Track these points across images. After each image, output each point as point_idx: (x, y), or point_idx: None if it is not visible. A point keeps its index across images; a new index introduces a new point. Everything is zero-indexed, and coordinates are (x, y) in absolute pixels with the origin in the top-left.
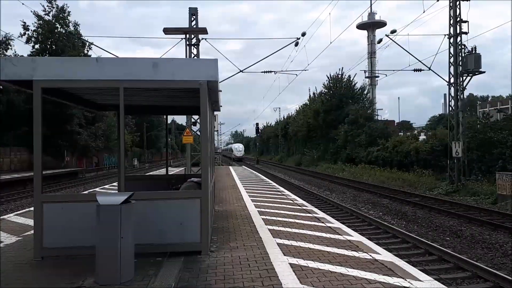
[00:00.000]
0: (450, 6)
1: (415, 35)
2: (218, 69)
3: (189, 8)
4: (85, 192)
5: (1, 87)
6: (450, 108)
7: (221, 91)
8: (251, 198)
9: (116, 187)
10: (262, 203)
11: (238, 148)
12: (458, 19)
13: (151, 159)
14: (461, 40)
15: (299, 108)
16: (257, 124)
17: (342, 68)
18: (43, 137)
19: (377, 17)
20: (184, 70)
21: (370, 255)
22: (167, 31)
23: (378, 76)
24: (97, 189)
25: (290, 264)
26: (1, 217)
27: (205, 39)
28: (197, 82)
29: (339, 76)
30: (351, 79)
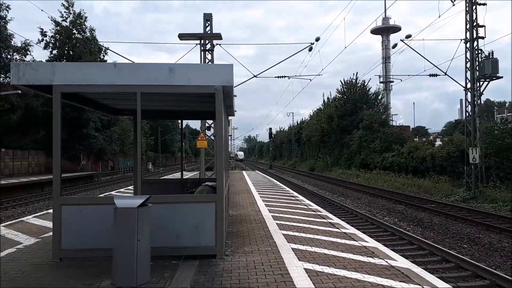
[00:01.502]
0: (466, 11)
1: (430, 40)
2: (233, 75)
3: (204, 14)
4: (101, 195)
5: (20, 91)
6: (467, 114)
7: (235, 96)
8: (265, 203)
9: (132, 191)
10: (276, 208)
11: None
12: (475, 23)
13: (165, 163)
14: (477, 45)
15: (313, 113)
16: (270, 129)
17: (357, 73)
18: (61, 140)
19: (391, 22)
20: (199, 75)
21: (386, 261)
22: (182, 36)
23: (392, 81)
24: (112, 192)
25: (305, 269)
26: (20, 219)
27: (219, 44)
28: (212, 87)
29: (353, 81)
30: (365, 84)
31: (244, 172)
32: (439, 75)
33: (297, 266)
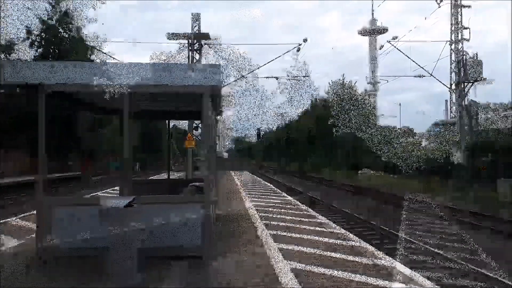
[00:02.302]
0: (451, 13)
1: (417, 41)
2: (221, 75)
3: (192, 13)
4: (88, 196)
5: (3, 90)
6: (452, 114)
7: (223, 96)
8: (253, 203)
9: (119, 191)
10: (264, 208)
11: (225, 155)
12: (459, 25)
13: (153, 163)
14: (462, 47)
15: (301, 113)
16: (258, 129)
17: (344, 74)
18: (46, 141)
19: (379, 23)
20: (188, 75)
21: (372, 261)
22: (170, 36)
23: (379, 82)
24: (99, 192)
25: (293, 268)
26: (5, 220)
27: (208, 44)
28: (201, 87)
29: (341, 82)
30: (352, 84)
31: (232, 172)
32: (425, 76)
33: (284, 265)
